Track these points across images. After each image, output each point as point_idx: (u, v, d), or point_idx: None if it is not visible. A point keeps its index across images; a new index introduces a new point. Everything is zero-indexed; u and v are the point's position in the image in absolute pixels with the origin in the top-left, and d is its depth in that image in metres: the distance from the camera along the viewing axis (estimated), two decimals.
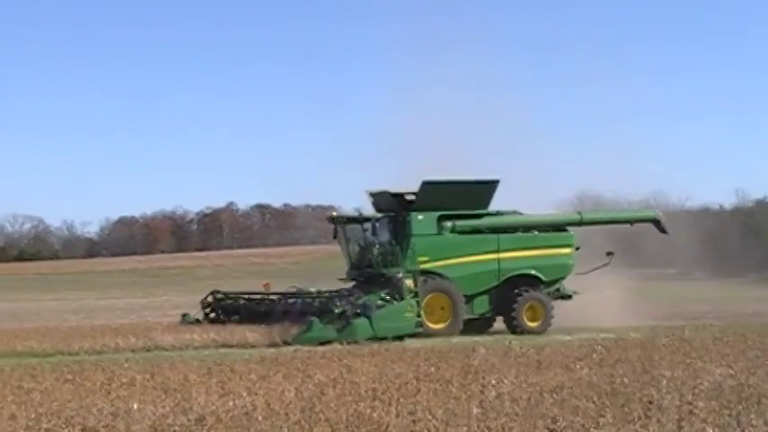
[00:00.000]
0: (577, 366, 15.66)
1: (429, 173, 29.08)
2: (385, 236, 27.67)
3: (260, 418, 10.99)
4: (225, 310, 28.56)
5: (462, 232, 28.48)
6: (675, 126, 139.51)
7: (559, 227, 30.11)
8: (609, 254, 29.84)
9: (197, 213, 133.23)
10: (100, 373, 16.16)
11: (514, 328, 27.64)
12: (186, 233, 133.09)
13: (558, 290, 29.32)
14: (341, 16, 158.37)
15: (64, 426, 10.83)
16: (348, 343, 23.35)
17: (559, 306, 28.75)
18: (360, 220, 28.23)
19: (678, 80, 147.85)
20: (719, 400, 11.31)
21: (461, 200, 28.42)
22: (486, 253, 28.42)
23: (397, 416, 10.90)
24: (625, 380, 13.46)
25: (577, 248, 29.57)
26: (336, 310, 25.21)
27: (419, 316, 26.29)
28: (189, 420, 11.01)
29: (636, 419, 10.37)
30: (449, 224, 28.29)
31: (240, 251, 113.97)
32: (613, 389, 12.57)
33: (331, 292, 26.87)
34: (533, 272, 28.66)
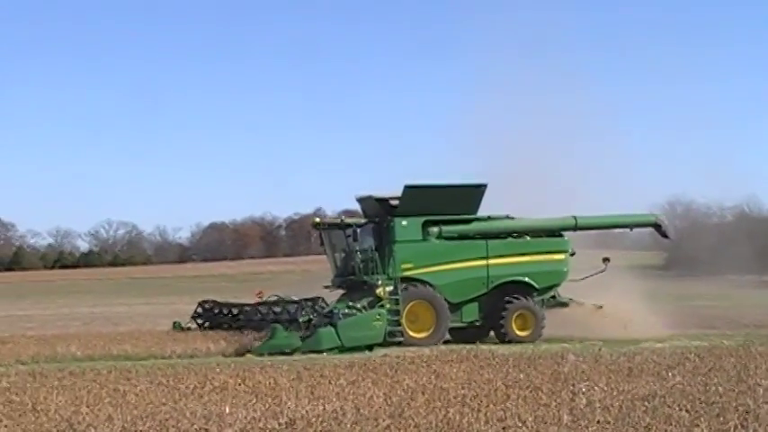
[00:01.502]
0: (670, 374, 15.37)
1: (509, 176, 28.71)
2: (366, 242, 26.91)
3: (349, 423, 11.05)
4: (213, 319, 28.15)
5: (449, 238, 27.49)
6: None
7: (553, 232, 29.02)
8: (605, 260, 28.67)
9: (285, 219, 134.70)
10: (192, 376, 16.42)
11: (503, 337, 26.67)
12: (275, 239, 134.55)
13: (553, 297, 28.35)
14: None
15: (158, 428, 11.05)
16: (312, 352, 22.88)
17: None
18: (342, 226, 27.47)
19: None
20: None
21: (447, 205, 27.37)
22: (475, 259, 27.41)
23: (487, 422, 10.86)
24: (720, 389, 13.15)
25: (572, 254, 28.57)
26: (301, 319, 24.56)
27: (399, 324, 25.73)
28: (279, 424, 11.12)
29: (732, 429, 10.15)
30: (435, 229, 27.28)
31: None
32: (708, 398, 12.31)
33: (299, 300, 25.95)
34: (525, 279, 27.61)
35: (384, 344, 24.91)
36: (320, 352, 23.16)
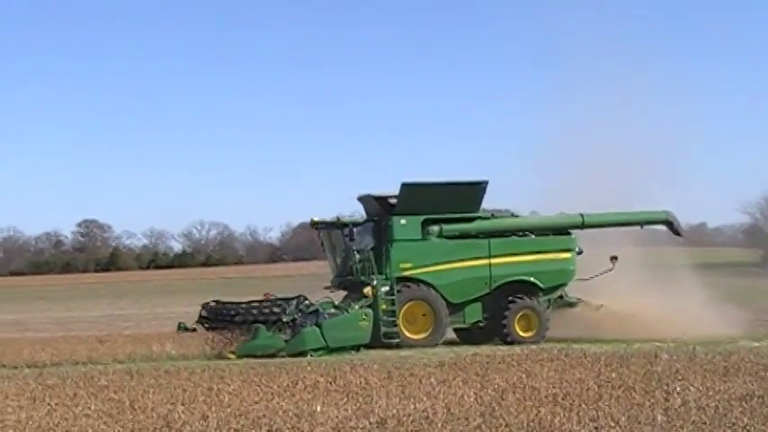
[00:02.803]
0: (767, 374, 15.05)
1: (605, 176, 28.22)
2: (364, 242, 26.27)
3: (440, 422, 11.05)
4: (217, 319, 26.20)
5: (450, 237, 26.57)
6: None
7: (559, 230, 28.04)
8: (613, 258, 27.40)
9: None
10: (284, 375, 16.60)
11: (505, 338, 25.82)
12: None
13: (561, 297, 27.43)
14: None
15: (251, 426, 11.20)
16: (297, 354, 22.14)
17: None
18: (338, 225, 26.56)
19: None
20: None
21: (448, 203, 26.47)
22: (476, 258, 26.50)
23: (579, 422, 10.76)
24: None
25: (580, 252, 27.58)
26: (285, 319, 23.67)
27: (394, 326, 25.19)
28: (370, 423, 11.18)
29: None
30: (435, 228, 26.40)
31: None
32: None
33: (284, 299, 24.99)
34: (529, 278, 26.69)
35: (376, 346, 24.35)
36: (304, 353, 22.56)
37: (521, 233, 27.78)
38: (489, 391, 13.73)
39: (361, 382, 15.22)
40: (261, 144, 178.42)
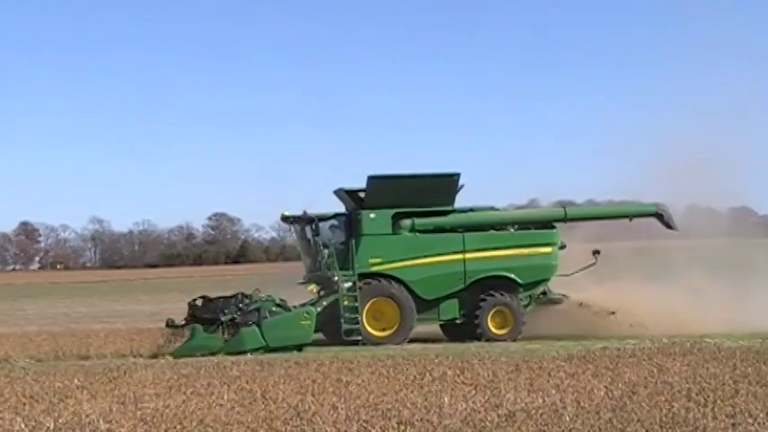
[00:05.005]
0: None
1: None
2: (333, 236, 25.74)
3: (569, 416, 10.92)
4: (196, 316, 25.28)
5: (423, 231, 25.82)
6: None
7: (541, 224, 26.87)
8: (595, 252, 26.37)
9: None
10: (412, 367, 16.65)
11: (478, 336, 24.92)
12: None
13: (544, 293, 26.41)
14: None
15: (381, 418, 11.27)
16: (237, 354, 21.56)
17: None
18: (306, 219, 25.99)
19: None
20: None
21: (419, 196, 25.71)
22: (449, 253, 25.67)
23: (715, 418, 10.49)
24: None
25: (563, 247, 26.44)
26: (224, 318, 23.13)
27: (356, 323, 24.54)
28: (499, 416, 11.12)
29: None
30: (407, 222, 25.72)
31: None
32: None
33: (226, 297, 24.15)
34: (506, 273, 25.76)
35: (340, 342, 24.12)
36: (244, 353, 21.99)
37: (499, 227, 26.87)
38: (620, 385, 13.50)
39: (488, 375, 15.17)
40: (370, 136, 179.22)
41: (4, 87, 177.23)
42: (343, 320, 24.74)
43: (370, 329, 24.97)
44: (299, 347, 23.16)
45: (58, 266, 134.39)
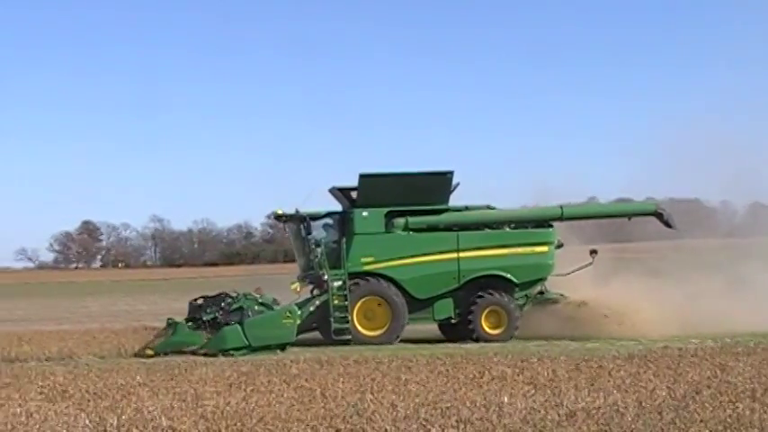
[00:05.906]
0: None
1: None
2: (325, 235, 25.41)
3: (631, 416, 10.83)
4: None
5: (417, 230, 25.42)
6: None
7: (537, 223, 26.29)
8: (592, 252, 25.81)
9: None
10: (471, 366, 16.61)
11: (472, 336, 24.54)
12: None
13: (541, 293, 25.83)
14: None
15: (440, 416, 11.27)
16: (223, 354, 21.46)
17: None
18: (298, 218, 25.63)
19: None
20: None
21: (412, 194, 25.28)
22: (443, 252, 25.24)
23: None
24: None
25: (560, 246, 25.86)
26: (206, 317, 22.96)
27: (346, 322, 24.25)
28: (559, 416, 11.06)
29: None
30: (400, 221, 25.33)
31: None
32: None
33: (208, 297, 23.83)
34: (501, 272, 25.28)
35: (330, 343, 23.94)
36: (226, 352, 21.90)
37: (495, 226, 26.46)
38: (682, 385, 13.34)
39: (548, 374, 15.08)
40: (419, 139, 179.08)
41: (70, 88, 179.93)
42: (332, 320, 24.69)
43: (360, 329, 24.84)
44: (282, 347, 23.04)
45: (120, 264, 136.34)
